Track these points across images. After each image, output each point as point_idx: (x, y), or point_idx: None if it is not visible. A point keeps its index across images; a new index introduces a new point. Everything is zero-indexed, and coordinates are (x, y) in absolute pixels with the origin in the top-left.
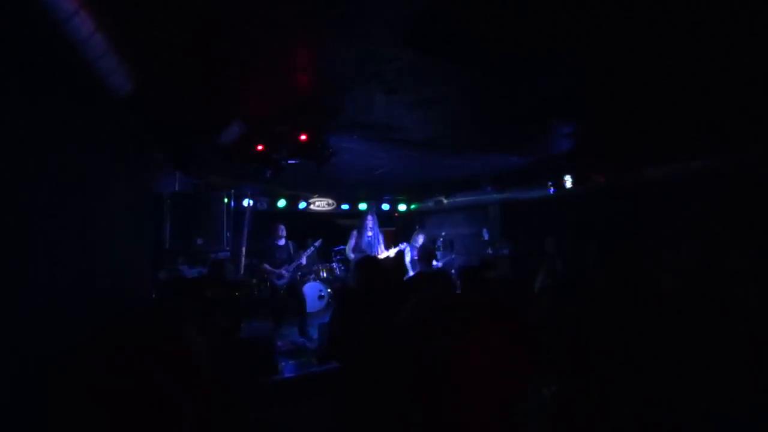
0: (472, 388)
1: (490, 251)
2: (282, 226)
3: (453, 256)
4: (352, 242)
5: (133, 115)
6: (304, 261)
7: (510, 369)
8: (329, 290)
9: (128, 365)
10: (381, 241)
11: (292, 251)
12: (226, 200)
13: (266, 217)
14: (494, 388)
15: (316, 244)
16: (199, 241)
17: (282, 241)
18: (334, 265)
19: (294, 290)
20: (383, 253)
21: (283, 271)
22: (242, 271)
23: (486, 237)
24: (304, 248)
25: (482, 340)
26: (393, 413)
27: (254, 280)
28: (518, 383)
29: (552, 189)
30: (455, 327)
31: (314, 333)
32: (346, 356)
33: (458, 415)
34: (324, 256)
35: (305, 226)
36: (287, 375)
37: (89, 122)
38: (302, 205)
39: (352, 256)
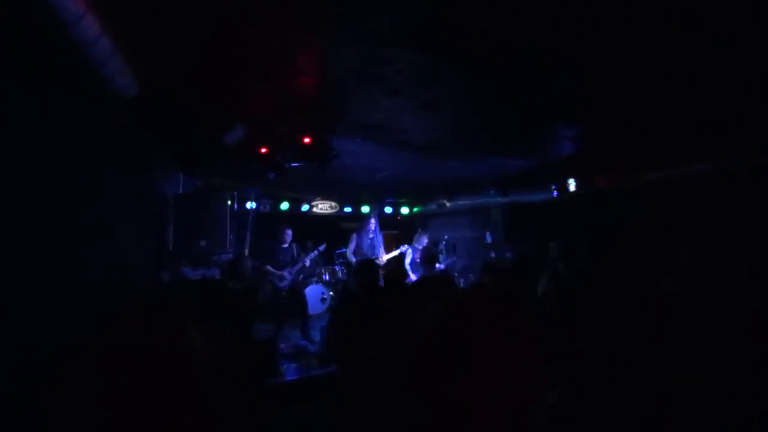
0: (489, 391)
1: (493, 254)
2: (289, 231)
3: (455, 258)
4: (352, 245)
5: (138, 116)
6: (307, 263)
7: (526, 371)
8: (331, 293)
9: (126, 365)
10: (382, 243)
11: (295, 254)
12: (229, 202)
13: (269, 220)
14: (511, 391)
15: (320, 248)
16: (203, 243)
17: (286, 244)
18: (337, 267)
19: (296, 292)
20: (384, 256)
21: (285, 273)
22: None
23: (489, 240)
24: (306, 251)
25: (501, 342)
26: (398, 415)
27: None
28: (532, 386)
29: (555, 192)
30: (474, 327)
31: (316, 336)
32: (345, 358)
33: (473, 420)
34: (326, 259)
35: (308, 228)
36: (289, 378)
37: (94, 123)
38: (305, 207)
39: (353, 258)
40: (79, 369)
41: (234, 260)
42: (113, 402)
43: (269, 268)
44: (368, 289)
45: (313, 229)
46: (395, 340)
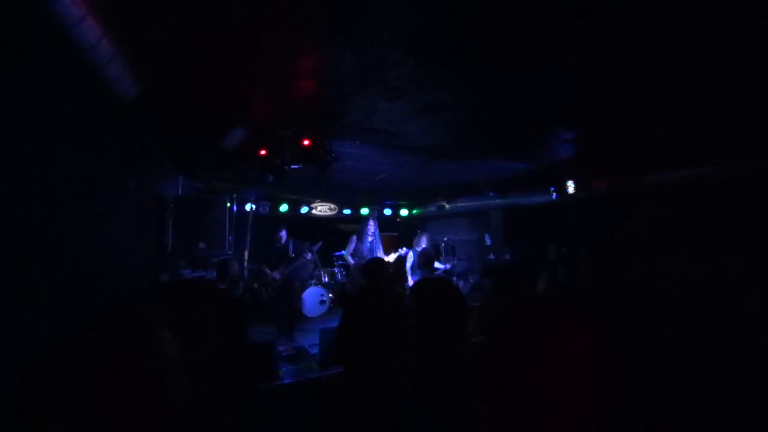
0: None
1: (492, 256)
2: (284, 231)
3: (455, 261)
4: (351, 246)
5: (138, 119)
6: (298, 266)
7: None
8: (330, 295)
9: (95, 370)
10: (380, 246)
11: (291, 253)
12: (228, 204)
13: (269, 222)
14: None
15: (314, 248)
16: (202, 245)
17: (279, 244)
18: (336, 269)
19: (284, 289)
20: (385, 258)
21: (276, 275)
22: (246, 274)
23: (488, 242)
24: (304, 248)
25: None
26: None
27: (255, 285)
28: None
29: (554, 195)
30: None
31: (316, 338)
32: (354, 360)
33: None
34: (325, 261)
35: (307, 230)
36: (287, 381)
37: (94, 125)
38: (304, 209)
39: (351, 260)
40: (51, 372)
41: (221, 262)
42: (81, 407)
43: (265, 269)
44: (377, 289)
45: (312, 231)
46: (400, 340)
